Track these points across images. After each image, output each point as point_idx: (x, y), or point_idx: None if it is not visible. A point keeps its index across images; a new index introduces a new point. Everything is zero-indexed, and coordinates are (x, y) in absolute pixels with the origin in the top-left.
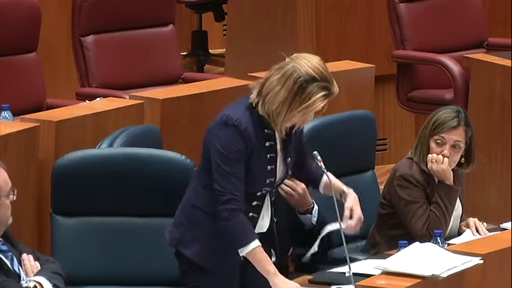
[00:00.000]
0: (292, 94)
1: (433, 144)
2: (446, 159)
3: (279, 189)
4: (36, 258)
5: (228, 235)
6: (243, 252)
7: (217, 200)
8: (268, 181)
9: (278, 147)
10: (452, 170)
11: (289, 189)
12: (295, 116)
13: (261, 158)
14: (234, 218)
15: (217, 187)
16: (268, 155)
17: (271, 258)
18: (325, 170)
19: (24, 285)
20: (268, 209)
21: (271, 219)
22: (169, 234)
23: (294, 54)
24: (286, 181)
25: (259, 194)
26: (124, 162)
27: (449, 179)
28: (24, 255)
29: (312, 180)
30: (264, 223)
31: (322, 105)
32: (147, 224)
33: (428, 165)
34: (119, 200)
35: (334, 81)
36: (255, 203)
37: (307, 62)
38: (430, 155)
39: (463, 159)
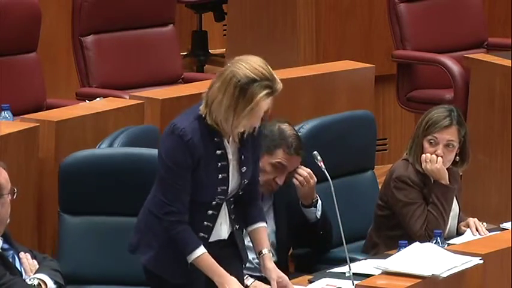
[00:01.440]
0: (235, 99)
1: (426, 144)
2: (440, 158)
3: (293, 179)
4: (33, 257)
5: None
6: (189, 260)
7: (160, 208)
8: (220, 189)
9: (230, 156)
10: (447, 169)
11: (302, 178)
12: (242, 121)
13: (210, 167)
14: (174, 229)
15: (161, 196)
16: (219, 164)
17: (240, 264)
18: (325, 170)
19: (29, 283)
20: (226, 217)
21: (232, 227)
22: (130, 240)
23: (235, 58)
24: (303, 171)
25: (214, 203)
26: (129, 162)
27: (445, 178)
28: (22, 254)
29: (244, 212)
30: (222, 232)
31: (266, 103)
32: None
33: (423, 165)
34: (125, 199)
35: (277, 78)
36: (210, 212)
37: (245, 64)
38: (423, 155)
39: (457, 157)
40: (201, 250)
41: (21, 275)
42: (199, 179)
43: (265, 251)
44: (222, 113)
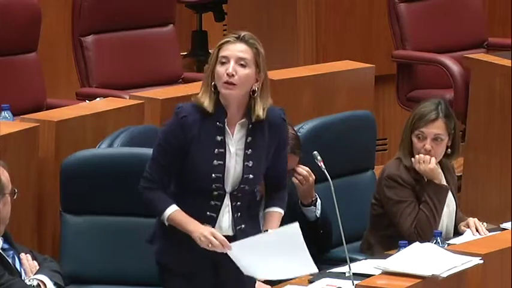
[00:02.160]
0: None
1: (414, 139)
2: (433, 159)
3: (293, 178)
4: (33, 258)
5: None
6: (164, 220)
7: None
8: (214, 176)
9: (232, 145)
10: (441, 163)
11: (301, 177)
12: (216, 67)
13: (206, 151)
14: (146, 193)
15: (147, 164)
16: (217, 150)
17: None
18: (325, 170)
19: (28, 284)
20: (229, 210)
21: (235, 227)
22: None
23: None
24: (302, 169)
25: (215, 193)
26: (130, 162)
27: (438, 178)
28: (23, 255)
29: (266, 198)
30: (223, 224)
31: (233, 48)
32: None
33: (416, 166)
34: (127, 199)
35: (250, 35)
36: (212, 202)
37: None
38: (416, 156)
39: (449, 150)
40: (173, 208)
41: (21, 276)
42: (192, 161)
43: (270, 231)
44: (204, 76)
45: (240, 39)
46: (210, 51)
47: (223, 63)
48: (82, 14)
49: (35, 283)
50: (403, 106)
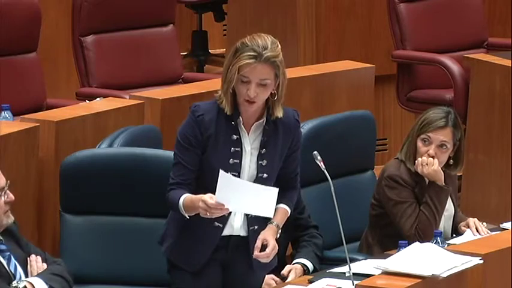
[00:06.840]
0: (229, 59)
1: (419, 143)
2: (436, 160)
3: None
4: (44, 260)
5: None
6: (183, 212)
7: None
8: (230, 174)
9: (248, 144)
10: (443, 171)
11: None
12: (232, 79)
13: (222, 149)
14: (167, 195)
15: (171, 170)
16: (233, 148)
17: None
18: (325, 170)
19: (13, 285)
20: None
21: (248, 227)
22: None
23: None
24: None
25: None
26: (130, 162)
27: (441, 179)
28: (32, 257)
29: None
30: (235, 224)
31: (251, 68)
32: (154, 225)
33: (419, 169)
34: (126, 199)
35: (272, 49)
36: None
37: (252, 35)
38: (419, 159)
39: (451, 161)
40: (184, 196)
41: (14, 277)
42: (208, 159)
43: (274, 223)
44: (222, 78)
45: (261, 59)
46: (210, 51)
47: (243, 82)
48: (82, 14)
49: (21, 285)
50: (403, 106)
